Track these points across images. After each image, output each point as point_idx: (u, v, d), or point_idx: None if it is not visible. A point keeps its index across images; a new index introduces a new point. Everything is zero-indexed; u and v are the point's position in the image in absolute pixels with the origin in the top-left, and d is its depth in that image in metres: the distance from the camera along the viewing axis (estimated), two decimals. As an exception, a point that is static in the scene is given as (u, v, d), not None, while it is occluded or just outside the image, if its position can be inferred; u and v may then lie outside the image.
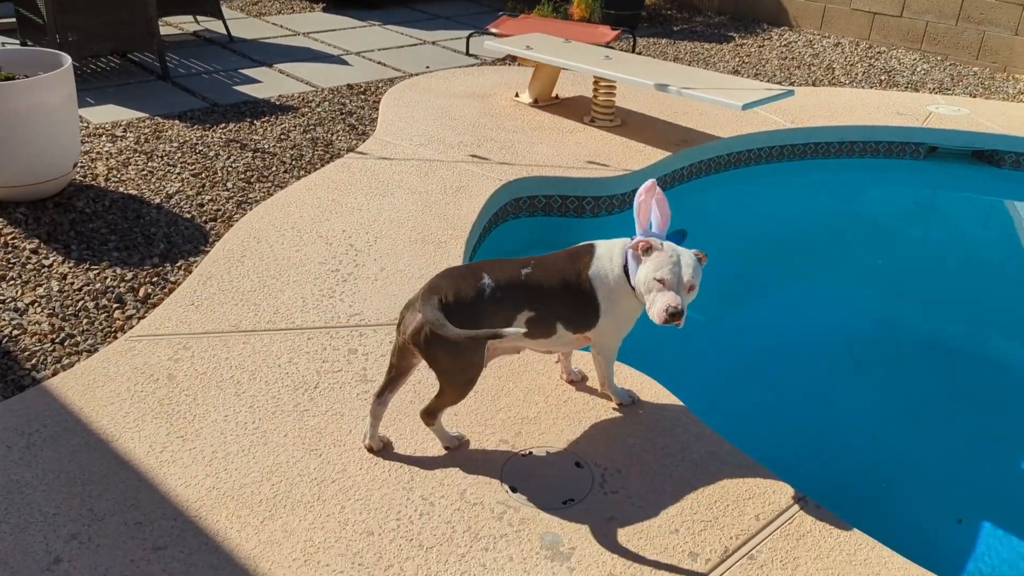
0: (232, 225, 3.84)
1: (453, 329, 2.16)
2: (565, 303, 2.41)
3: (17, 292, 3.24)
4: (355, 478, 2.37)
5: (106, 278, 3.38)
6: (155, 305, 3.22)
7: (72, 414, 2.56)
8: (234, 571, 2.07)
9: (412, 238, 3.75)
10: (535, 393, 2.76)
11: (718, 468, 2.49)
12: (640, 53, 7.34)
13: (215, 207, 4.03)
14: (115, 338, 3.01)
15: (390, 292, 3.31)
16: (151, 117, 5.12)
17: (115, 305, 3.21)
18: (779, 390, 3.48)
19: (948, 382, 3.61)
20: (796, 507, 2.36)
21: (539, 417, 2.65)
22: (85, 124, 4.93)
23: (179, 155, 4.58)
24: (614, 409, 2.71)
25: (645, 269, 2.33)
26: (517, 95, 5.77)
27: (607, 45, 6.69)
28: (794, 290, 4.32)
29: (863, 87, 6.79)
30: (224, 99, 5.54)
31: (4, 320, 3.07)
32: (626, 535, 2.24)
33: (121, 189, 4.14)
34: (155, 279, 3.40)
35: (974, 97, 6.67)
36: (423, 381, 2.75)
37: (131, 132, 4.86)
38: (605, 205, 4.58)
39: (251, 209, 4.00)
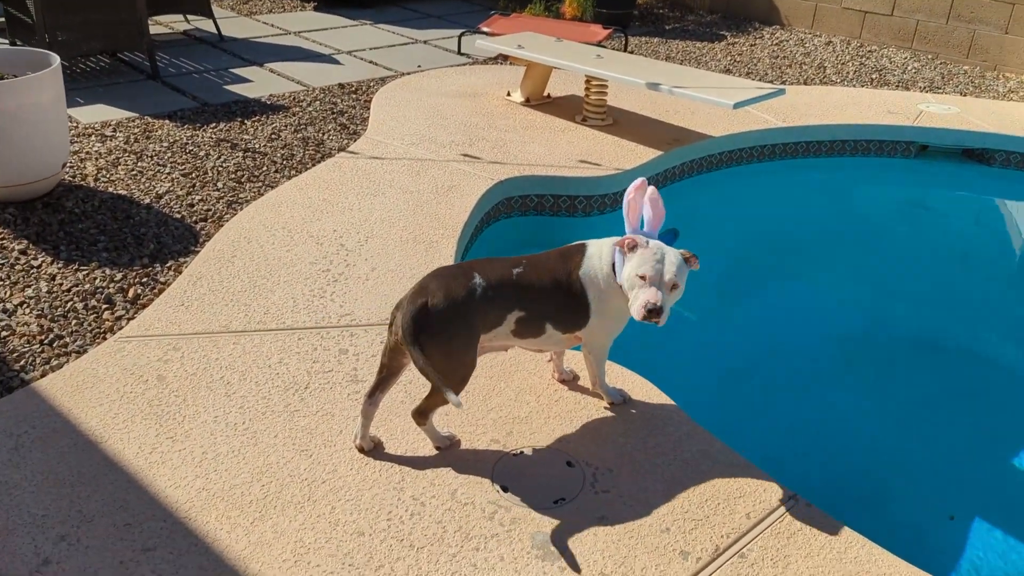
0: (222, 225, 3.83)
1: (416, 352, 2.19)
2: (556, 303, 2.41)
3: (5, 293, 3.22)
4: (346, 478, 2.37)
5: (95, 279, 3.36)
6: (145, 306, 3.21)
7: (61, 415, 2.54)
8: (224, 572, 2.06)
9: (403, 238, 3.74)
10: (526, 393, 2.75)
11: (709, 467, 2.49)
12: (632, 52, 7.34)
13: (205, 207, 4.01)
14: (104, 339, 3.00)
15: (381, 292, 3.30)
16: (141, 117, 5.10)
17: (104, 306, 3.19)
18: (770, 389, 3.49)
19: (939, 380, 3.62)
20: (787, 505, 2.36)
21: (530, 417, 2.65)
22: (74, 124, 4.91)
23: (169, 155, 4.57)
24: (605, 408, 2.70)
25: (629, 266, 2.33)
26: (509, 94, 5.76)
27: (599, 44, 6.69)
28: (785, 289, 4.33)
29: (854, 86, 6.81)
30: (214, 99, 5.52)
31: (-8, 321, 3.05)
32: (617, 534, 2.24)
33: (111, 189, 4.13)
34: (145, 280, 3.39)
35: (964, 96, 6.69)
36: (414, 381, 2.75)
37: (121, 132, 4.84)
38: (597, 204, 4.58)
39: (241, 209, 3.99)
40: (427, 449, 2.49)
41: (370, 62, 6.65)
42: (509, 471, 2.43)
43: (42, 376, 2.77)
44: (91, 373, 2.75)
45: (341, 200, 4.07)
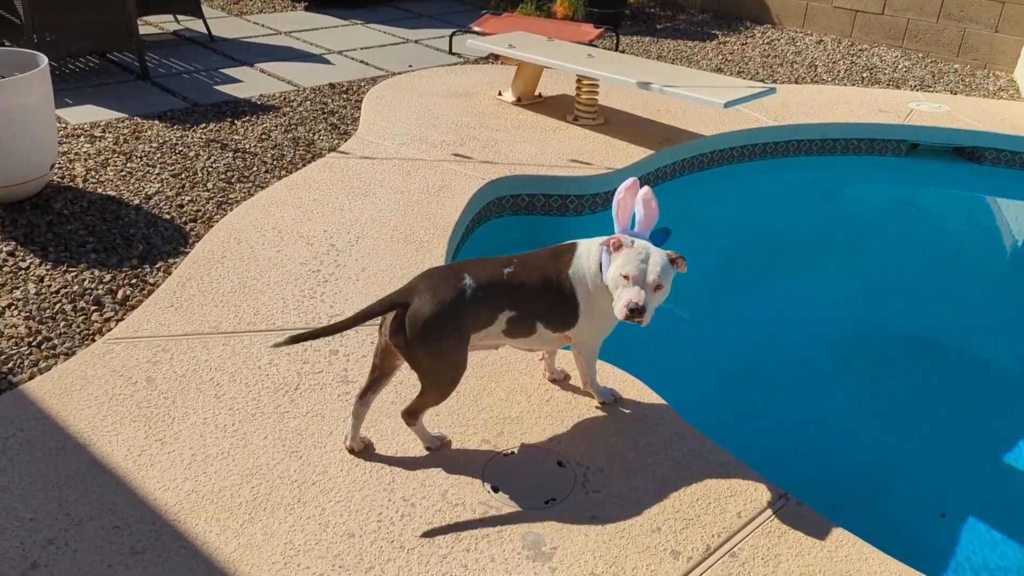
0: (212, 226, 3.81)
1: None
2: (546, 302, 2.40)
3: (-7, 295, 3.21)
4: (336, 480, 2.36)
5: (84, 280, 3.34)
6: (134, 307, 3.19)
7: (49, 418, 2.53)
8: (213, 575, 2.05)
9: (394, 238, 3.73)
10: (517, 393, 2.75)
11: (700, 466, 2.49)
12: (623, 51, 7.34)
13: (195, 208, 4.00)
14: (93, 341, 2.98)
15: (372, 293, 3.29)
16: (130, 117, 5.08)
17: (93, 307, 3.18)
18: (762, 388, 3.49)
19: (930, 378, 3.63)
20: (778, 505, 2.36)
21: (521, 417, 2.64)
22: (63, 125, 4.88)
23: (159, 156, 4.55)
24: (596, 408, 2.70)
25: (614, 266, 2.33)
26: (500, 94, 5.75)
27: (590, 43, 6.69)
28: (777, 287, 4.33)
29: (845, 84, 6.82)
30: (204, 99, 5.50)
31: (-20, 323, 3.03)
32: (608, 534, 2.23)
33: (99, 190, 4.11)
34: (134, 281, 3.37)
35: (955, 94, 6.71)
36: (405, 381, 2.74)
37: (110, 133, 4.81)
38: (588, 203, 4.58)
39: (231, 210, 3.97)
40: (418, 450, 2.48)
41: (361, 62, 6.64)
42: (500, 471, 2.42)
43: (30, 378, 2.76)
44: (79, 375, 2.73)
45: (331, 200, 4.06)
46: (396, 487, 2.34)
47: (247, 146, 4.74)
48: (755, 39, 8.13)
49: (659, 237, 2.52)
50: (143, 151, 4.59)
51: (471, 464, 2.44)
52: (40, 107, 3.75)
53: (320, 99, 5.60)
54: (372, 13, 8.44)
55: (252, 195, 4.14)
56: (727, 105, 4.52)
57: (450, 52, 7.13)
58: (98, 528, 2.16)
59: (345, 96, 5.70)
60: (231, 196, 4.13)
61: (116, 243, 3.64)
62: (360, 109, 5.41)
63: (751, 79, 6.73)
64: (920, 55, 7.88)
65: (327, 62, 6.56)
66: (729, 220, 4.96)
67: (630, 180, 2.42)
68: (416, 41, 7.44)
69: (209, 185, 4.23)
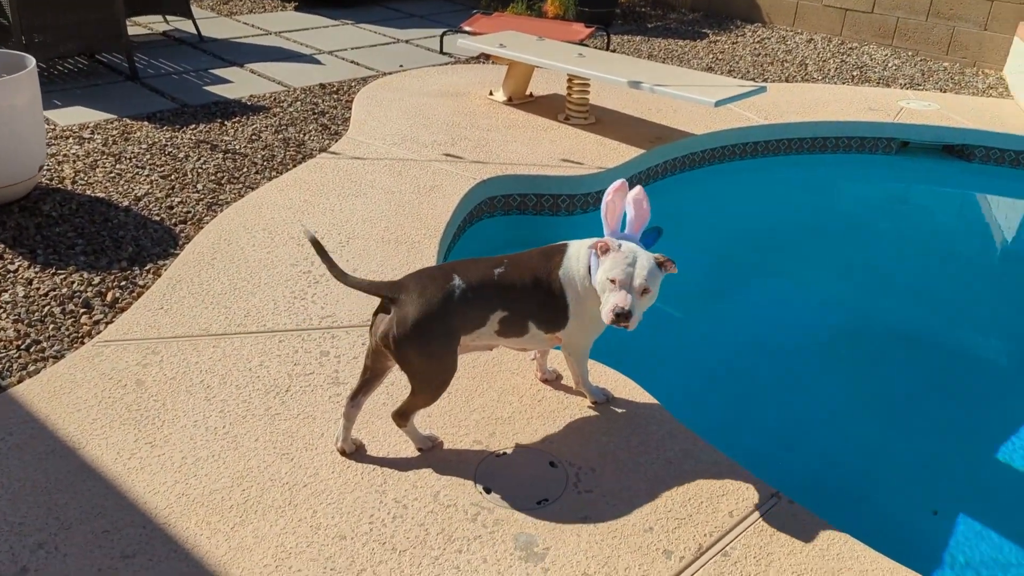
0: (202, 227, 3.80)
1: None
2: (537, 302, 2.40)
3: (-18, 298, 3.19)
4: (327, 482, 2.35)
5: (73, 283, 3.32)
6: (123, 309, 3.18)
7: (38, 421, 2.51)
8: (204, 579, 2.04)
9: (385, 238, 3.72)
10: (509, 393, 2.74)
11: (692, 466, 2.49)
12: (614, 51, 7.34)
13: (185, 209, 3.98)
14: (82, 343, 2.96)
15: (362, 294, 3.28)
16: (119, 118, 5.06)
17: (82, 310, 3.16)
18: (753, 387, 3.49)
19: (921, 376, 3.64)
20: (770, 503, 2.36)
21: (513, 417, 2.64)
22: (52, 126, 4.86)
23: (148, 157, 4.53)
24: (589, 407, 2.70)
25: (601, 269, 2.32)
26: (491, 93, 5.75)
27: (581, 43, 6.69)
28: (768, 286, 4.34)
29: (835, 83, 6.84)
30: (194, 100, 5.48)
31: (-32, 327, 3.01)
32: (600, 534, 2.23)
33: (88, 192, 4.08)
34: (123, 283, 3.35)
35: (944, 92, 6.74)
36: (396, 383, 2.73)
37: (99, 134, 4.79)
38: (580, 203, 4.58)
39: (222, 211, 3.96)
40: (409, 451, 2.47)
41: (351, 62, 6.62)
42: (492, 472, 2.42)
43: (19, 382, 2.74)
44: (69, 378, 2.71)
45: (322, 201, 4.05)
46: (388, 489, 2.34)
47: (237, 147, 4.72)
48: (745, 38, 8.14)
49: (651, 237, 2.51)
50: (132, 152, 4.56)
51: (463, 465, 2.44)
52: (28, 109, 3.73)
53: (310, 99, 5.59)
54: (362, 13, 8.43)
55: (242, 196, 4.12)
56: (718, 104, 4.53)
57: (441, 52, 7.12)
58: (88, 532, 2.15)
59: (335, 96, 5.68)
60: (221, 197, 4.11)
61: (105, 245, 3.62)
62: (351, 109, 5.40)
63: (742, 78, 6.74)
64: (910, 53, 7.91)
65: (317, 62, 6.54)
66: (720, 219, 4.96)
67: (618, 182, 2.41)
68: (407, 41, 7.43)
69: (199, 186, 4.21)
